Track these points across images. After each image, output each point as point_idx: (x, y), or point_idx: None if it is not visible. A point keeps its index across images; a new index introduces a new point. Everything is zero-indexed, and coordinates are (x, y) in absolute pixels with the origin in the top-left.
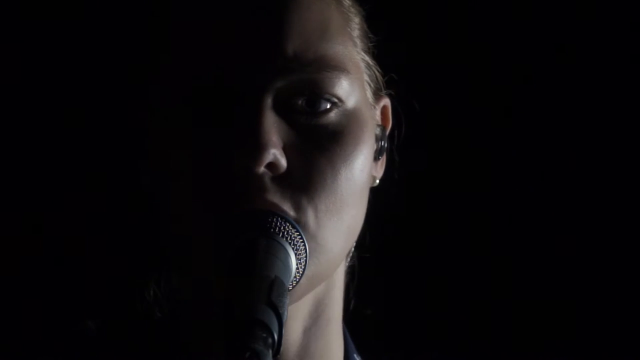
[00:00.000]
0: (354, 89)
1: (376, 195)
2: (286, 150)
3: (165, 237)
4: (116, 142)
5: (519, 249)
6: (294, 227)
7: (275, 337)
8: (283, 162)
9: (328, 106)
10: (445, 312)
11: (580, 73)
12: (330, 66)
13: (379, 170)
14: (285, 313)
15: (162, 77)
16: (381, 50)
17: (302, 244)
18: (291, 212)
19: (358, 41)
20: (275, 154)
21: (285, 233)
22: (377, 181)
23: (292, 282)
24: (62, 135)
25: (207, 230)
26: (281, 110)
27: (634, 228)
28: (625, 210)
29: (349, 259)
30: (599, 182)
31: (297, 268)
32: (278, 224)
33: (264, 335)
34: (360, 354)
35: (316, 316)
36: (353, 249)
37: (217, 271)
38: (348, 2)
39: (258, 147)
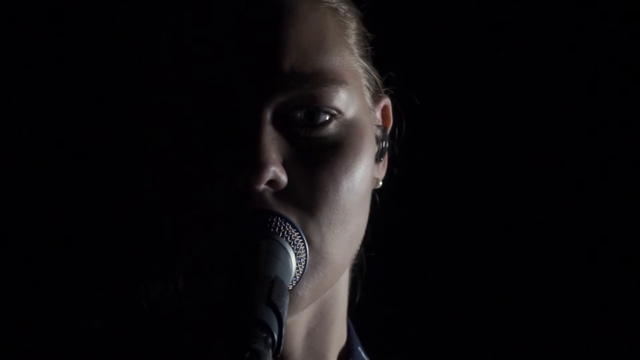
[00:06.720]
0: (353, 99)
1: (379, 193)
2: (286, 164)
3: (169, 237)
4: (123, 145)
5: (524, 248)
6: (294, 227)
7: (275, 336)
8: (284, 179)
9: (327, 118)
10: (449, 309)
11: (581, 73)
12: (328, 80)
13: (381, 171)
14: (286, 313)
15: (160, 94)
16: (380, 48)
17: (302, 244)
18: None
19: (355, 48)
20: (276, 172)
21: (285, 233)
22: (381, 183)
23: (292, 282)
24: (69, 134)
25: (208, 232)
26: (280, 124)
27: (634, 228)
28: (626, 210)
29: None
30: (599, 182)
31: (297, 268)
32: (278, 224)
33: (264, 335)
34: (364, 347)
35: (320, 318)
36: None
37: (217, 271)
38: (344, 8)
39: (258, 165)
